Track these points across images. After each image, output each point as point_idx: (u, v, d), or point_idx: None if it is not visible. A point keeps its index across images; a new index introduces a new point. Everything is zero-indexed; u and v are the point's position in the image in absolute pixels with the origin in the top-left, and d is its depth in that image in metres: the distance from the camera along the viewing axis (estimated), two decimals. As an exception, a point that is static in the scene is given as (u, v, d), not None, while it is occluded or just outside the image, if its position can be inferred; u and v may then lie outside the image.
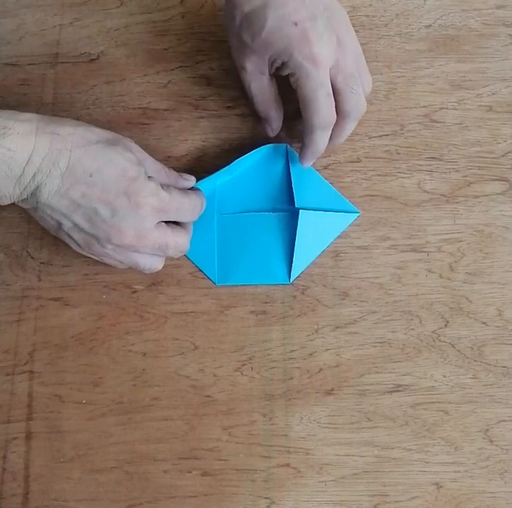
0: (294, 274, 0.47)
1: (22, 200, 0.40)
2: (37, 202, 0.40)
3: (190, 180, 0.46)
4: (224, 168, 0.47)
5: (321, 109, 0.42)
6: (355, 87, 0.43)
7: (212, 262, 0.48)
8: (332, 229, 0.48)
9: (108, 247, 0.42)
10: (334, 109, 0.43)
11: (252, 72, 0.44)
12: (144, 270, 0.45)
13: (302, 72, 0.41)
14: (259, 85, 0.45)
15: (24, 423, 0.45)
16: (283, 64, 0.42)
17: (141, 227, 0.41)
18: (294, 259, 0.47)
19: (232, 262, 0.48)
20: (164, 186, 0.43)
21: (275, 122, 0.47)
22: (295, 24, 0.41)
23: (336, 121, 0.44)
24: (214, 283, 0.47)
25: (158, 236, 0.42)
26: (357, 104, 0.44)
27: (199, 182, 0.47)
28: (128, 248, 0.42)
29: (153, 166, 0.44)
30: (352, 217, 0.49)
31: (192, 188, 0.47)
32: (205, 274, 0.48)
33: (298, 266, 0.47)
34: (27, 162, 0.38)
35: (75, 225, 0.41)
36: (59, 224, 0.41)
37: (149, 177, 0.42)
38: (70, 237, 0.42)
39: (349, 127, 0.45)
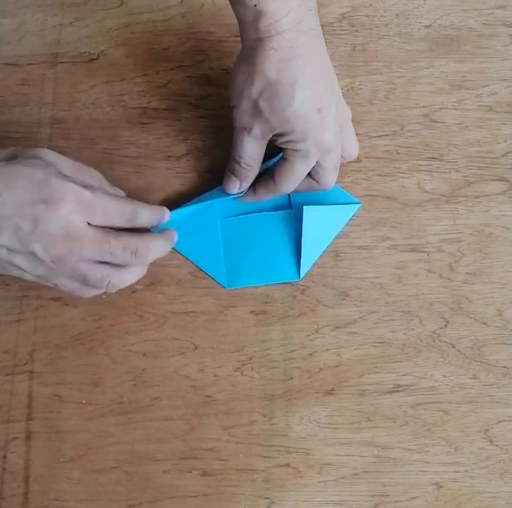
0: (303, 270, 0.47)
1: None
2: None
3: (119, 192, 0.45)
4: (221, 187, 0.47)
5: (289, 185, 0.45)
6: (337, 165, 0.46)
7: (220, 266, 0.47)
8: (336, 222, 0.49)
9: (48, 260, 0.39)
10: None
11: (255, 137, 0.43)
12: (108, 288, 0.42)
13: (305, 154, 0.42)
14: (256, 149, 0.44)
15: (24, 423, 0.45)
16: (290, 141, 0.42)
17: (68, 225, 0.39)
18: (302, 255, 0.47)
19: (240, 264, 0.48)
20: (88, 186, 0.41)
21: (247, 184, 0.47)
22: (319, 110, 0.41)
23: (313, 186, 0.47)
24: (224, 287, 0.47)
25: (94, 234, 0.40)
26: (334, 178, 0.46)
27: (200, 197, 0.47)
28: (67, 256, 0.40)
29: (71, 166, 0.42)
30: (354, 208, 0.49)
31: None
32: (215, 280, 0.47)
33: (307, 262, 0.47)
34: None
35: (9, 249, 0.39)
36: None
37: (65, 176, 0.40)
38: (14, 264, 0.40)
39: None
